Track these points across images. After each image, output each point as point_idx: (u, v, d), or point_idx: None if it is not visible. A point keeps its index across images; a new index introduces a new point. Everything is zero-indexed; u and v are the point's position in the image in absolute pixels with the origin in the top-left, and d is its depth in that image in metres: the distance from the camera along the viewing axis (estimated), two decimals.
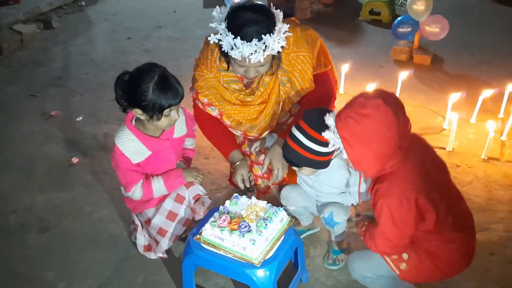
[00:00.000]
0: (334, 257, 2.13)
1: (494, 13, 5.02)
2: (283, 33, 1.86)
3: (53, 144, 3.09)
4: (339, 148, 1.65)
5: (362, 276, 1.85)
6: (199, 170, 2.12)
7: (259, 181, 2.32)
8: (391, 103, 1.54)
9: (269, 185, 2.32)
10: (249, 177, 2.14)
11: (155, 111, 1.84)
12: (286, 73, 2.06)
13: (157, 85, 1.82)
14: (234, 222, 1.81)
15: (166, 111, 1.87)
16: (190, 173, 2.09)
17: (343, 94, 3.40)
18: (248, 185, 2.15)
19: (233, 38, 1.79)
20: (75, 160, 2.91)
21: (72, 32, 4.98)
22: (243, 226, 1.78)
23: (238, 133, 2.24)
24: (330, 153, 1.87)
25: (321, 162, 1.88)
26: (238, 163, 2.14)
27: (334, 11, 5.23)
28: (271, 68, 1.99)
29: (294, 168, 1.97)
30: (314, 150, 1.83)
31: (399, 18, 3.95)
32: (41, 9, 5.24)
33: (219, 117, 2.18)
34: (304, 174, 2.00)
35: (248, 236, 1.74)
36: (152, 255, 2.18)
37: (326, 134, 1.64)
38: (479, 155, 2.79)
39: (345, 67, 3.45)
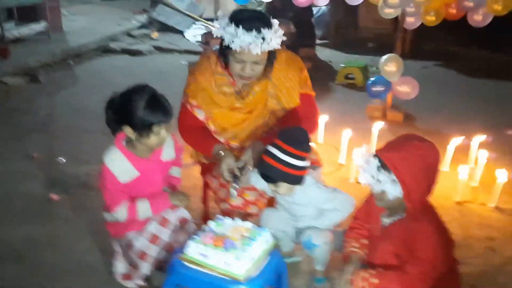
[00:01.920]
0: (318, 285, 2.12)
1: (458, 81, 5.44)
2: (279, 32, 2.05)
3: (33, 182, 3.06)
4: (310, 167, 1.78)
5: None
6: (185, 194, 2.14)
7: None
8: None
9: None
10: (239, 168, 2.11)
11: (144, 128, 1.91)
12: (275, 86, 2.21)
13: (147, 102, 1.90)
14: (219, 239, 1.81)
15: (155, 129, 1.93)
16: (176, 196, 2.11)
17: (323, 144, 3.54)
18: (237, 174, 2.10)
19: (235, 29, 1.98)
20: (55, 197, 2.88)
21: (58, 86, 5.10)
22: (227, 243, 1.78)
23: (221, 139, 2.29)
24: (304, 168, 1.97)
25: (296, 176, 1.97)
26: (223, 153, 2.13)
27: (312, 75, 5.44)
28: (264, 72, 2.13)
29: (271, 187, 2.03)
30: (289, 163, 1.92)
31: (373, 79, 4.23)
32: (29, 64, 5.41)
33: (205, 121, 2.25)
34: (281, 194, 2.04)
35: (233, 252, 1.74)
36: (130, 284, 2.11)
37: (375, 175, 1.71)
38: (453, 199, 2.90)
39: (324, 118, 3.62)
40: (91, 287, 2.16)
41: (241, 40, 1.98)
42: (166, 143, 2.09)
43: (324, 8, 7.14)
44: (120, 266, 2.13)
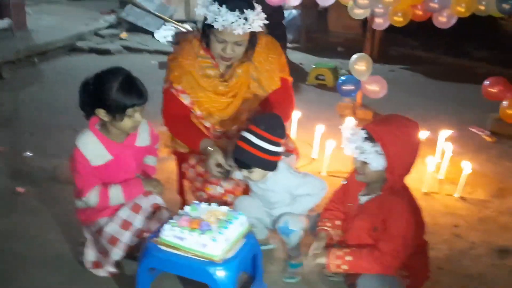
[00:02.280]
0: (292, 270, 2.13)
1: (424, 84, 5.62)
2: (261, 14, 2.07)
3: None
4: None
5: None
6: (159, 181, 2.12)
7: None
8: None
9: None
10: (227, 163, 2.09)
11: (118, 110, 1.88)
12: (257, 69, 2.23)
13: (122, 84, 1.88)
14: (195, 222, 1.80)
15: (129, 111, 1.90)
16: (150, 183, 2.09)
17: (296, 139, 3.56)
18: (227, 168, 2.08)
19: (218, 8, 1.99)
20: (20, 189, 2.79)
21: (23, 82, 4.94)
22: (203, 225, 1.77)
23: (207, 124, 2.28)
24: (278, 153, 1.99)
25: (270, 161, 1.98)
26: (211, 149, 2.11)
27: None
28: (245, 55, 2.15)
29: (244, 173, 2.03)
30: (263, 148, 1.94)
31: (343, 78, 4.32)
32: None
33: (190, 106, 2.23)
34: (254, 179, 2.05)
35: (209, 234, 1.74)
36: (101, 272, 2.06)
37: (367, 147, 1.75)
38: (421, 190, 2.99)
39: (297, 114, 3.66)
40: (60, 276, 2.09)
41: (224, 19, 1.99)
42: (142, 128, 2.07)
43: (294, 12, 7.25)
44: (90, 254, 2.08)
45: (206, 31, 2.13)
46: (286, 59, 2.36)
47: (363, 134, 1.76)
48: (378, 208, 1.81)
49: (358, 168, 1.82)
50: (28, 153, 3.27)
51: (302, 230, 2.07)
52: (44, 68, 5.58)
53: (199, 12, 2.10)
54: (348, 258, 1.78)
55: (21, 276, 2.10)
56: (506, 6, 3.34)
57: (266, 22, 2.12)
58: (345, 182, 2.06)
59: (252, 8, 2.07)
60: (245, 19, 2.02)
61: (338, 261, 1.79)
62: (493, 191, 3.03)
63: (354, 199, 1.95)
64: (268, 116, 2.03)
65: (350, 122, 1.86)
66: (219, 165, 2.09)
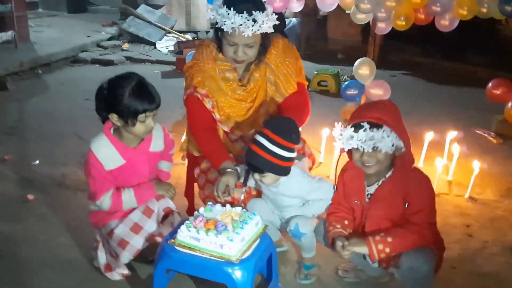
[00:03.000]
0: (306, 271, 2.12)
1: (425, 88, 5.65)
2: (271, 16, 2.07)
3: (7, 183, 2.95)
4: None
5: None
6: (171, 185, 2.12)
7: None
8: None
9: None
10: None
11: (130, 115, 1.88)
12: (274, 72, 2.23)
13: (134, 90, 1.88)
14: (211, 222, 1.80)
15: (141, 117, 1.90)
16: (162, 187, 2.09)
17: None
18: (230, 194, 2.07)
19: (226, 11, 2.00)
20: (30, 196, 2.78)
21: (28, 93, 4.96)
22: (219, 225, 1.77)
23: (225, 128, 2.28)
24: (291, 159, 1.97)
25: (283, 167, 1.96)
26: (228, 170, 2.08)
27: None
28: (258, 57, 2.16)
29: (257, 177, 2.02)
30: (276, 154, 1.92)
31: (346, 83, 4.34)
32: None
33: (211, 110, 2.22)
34: (266, 183, 2.04)
35: (225, 234, 1.73)
36: (115, 276, 2.05)
37: (377, 134, 1.77)
38: None
39: None
40: (72, 281, 2.09)
41: (232, 21, 2.00)
42: (156, 134, 2.07)
43: (294, 20, 7.31)
44: (102, 256, 2.07)
45: (218, 35, 2.15)
46: (302, 63, 2.35)
47: (366, 125, 1.77)
48: (393, 190, 1.84)
49: (368, 159, 1.82)
50: (35, 162, 3.26)
51: (313, 233, 2.06)
52: (47, 79, 5.61)
53: (210, 15, 2.12)
54: (389, 239, 1.78)
55: (33, 280, 2.09)
56: (508, 8, 3.37)
57: (277, 22, 2.12)
58: (335, 188, 2.06)
59: (262, 9, 2.07)
60: (254, 20, 2.02)
61: (380, 245, 1.78)
62: (502, 191, 3.03)
63: (358, 194, 1.95)
64: (282, 121, 2.00)
65: (338, 125, 1.88)
66: (227, 188, 2.07)
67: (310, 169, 2.32)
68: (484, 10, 3.54)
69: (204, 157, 2.27)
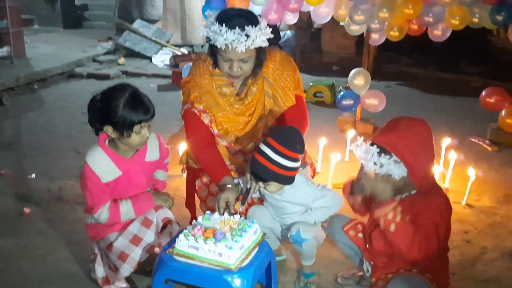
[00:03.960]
0: (306, 280, 2.11)
1: (420, 98, 5.70)
2: (265, 30, 2.06)
3: (3, 197, 2.93)
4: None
5: None
6: (169, 195, 2.11)
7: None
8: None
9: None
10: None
11: (125, 127, 1.87)
12: (271, 86, 2.23)
13: (128, 101, 1.87)
14: (209, 231, 1.80)
15: (136, 128, 1.89)
16: (160, 197, 2.08)
17: None
18: (230, 211, 2.05)
19: (219, 27, 1.99)
20: (27, 210, 2.77)
21: (24, 108, 4.97)
22: (218, 234, 1.77)
23: (224, 143, 2.28)
24: (295, 169, 1.98)
25: (287, 177, 1.97)
26: (228, 186, 2.08)
27: None
28: (254, 71, 2.16)
29: (261, 185, 2.03)
30: (281, 164, 1.92)
31: (342, 93, 4.37)
32: None
33: (209, 125, 2.22)
34: (270, 191, 2.05)
35: (224, 243, 1.73)
36: None
37: (382, 160, 1.72)
38: None
39: None
40: None
41: (225, 38, 1.99)
42: (151, 143, 2.07)
43: (289, 33, 7.39)
44: (99, 270, 2.05)
45: (213, 51, 2.14)
46: (300, 75, 2.35)
47: (375, 149, 1.74)
48: (410, 206, 1.78)
49: (382, 180, 1.76)
50: (32, 176, 3.25)
51: (314, 239, 2.06)
52: (43, 94, 5.62)
53: (203, 32, 2.12)
54: (397, 218, 1.71)
55: None
56: (499, 18, 3.42)
57: (271, 36, 2.11)
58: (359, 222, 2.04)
59: (255, 24, 2.05)
60: (247, 36, 2.01)
61: (391, 214, 1.71)
62: (499, 198, 3.04)
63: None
64: (287, 131, 2.00)
65: (358, 142, 1.81)
66: (227, 203, 2.07)
67: (312, 177, 2.32)
68: (476, 20, 3.60)
69: (201, 170, 2.27)
